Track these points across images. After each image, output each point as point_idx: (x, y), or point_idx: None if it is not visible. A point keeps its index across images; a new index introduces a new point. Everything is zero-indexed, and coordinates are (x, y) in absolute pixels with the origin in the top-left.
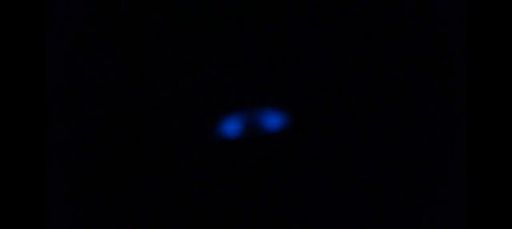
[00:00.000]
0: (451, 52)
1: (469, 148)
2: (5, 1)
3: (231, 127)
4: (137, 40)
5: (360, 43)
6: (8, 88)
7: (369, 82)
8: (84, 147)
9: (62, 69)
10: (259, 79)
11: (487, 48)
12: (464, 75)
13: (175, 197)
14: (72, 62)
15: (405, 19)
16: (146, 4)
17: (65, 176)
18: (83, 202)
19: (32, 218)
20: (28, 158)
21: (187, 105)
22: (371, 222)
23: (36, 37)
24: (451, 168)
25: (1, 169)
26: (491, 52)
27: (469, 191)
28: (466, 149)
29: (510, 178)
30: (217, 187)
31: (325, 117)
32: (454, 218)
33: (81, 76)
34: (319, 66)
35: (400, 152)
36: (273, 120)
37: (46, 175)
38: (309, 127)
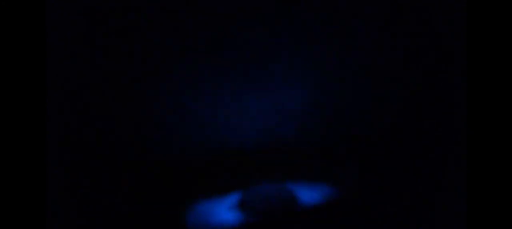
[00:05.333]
0: (450, 53)
1: (469, 148)
2: (5, 1)
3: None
4: (136, 40)
5: (360, 43)
6: (8, 88)
7: (369, 83)
8: (84, 147)
9: (62, 69)
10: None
11: (487, 49)
12: (464, 75)
13: (174, 196)
14: (72, 62)
15: (405, 19)
16: (145, 5)
17: (65, 176)
18: (82, 201)
19: (32, 218)
20: (28, 158)
21: (186, 105)
22: (371, 221)
23: (36, 37)
24: (451, 168)
25: (1, 169)
26: (491, 52)
27: (469, 191)
28: (466, 149)
29: (510, 178)
30: (216, 187)
31: (324, 116)
32: (453, 218)
33: (80, 76)
34: (318, 66)
35: (399, 152)
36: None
37: (46, 175)
38: (308, 126)
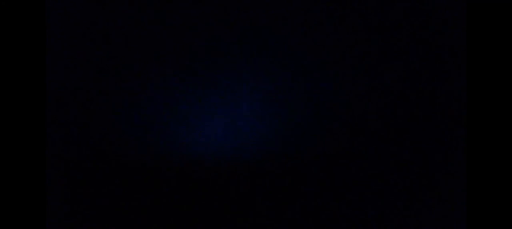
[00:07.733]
0: (450, 53)
1: (468, 148)
2: (5, 2)
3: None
4: (136, 41)
5: (360, 43)
6: (8, 88)
7: (369, 83)
8: (84, 147)
9: (62, 69)
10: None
11: (487, 49)
12: (463, 76)
13: (173, 196)
14: (72, 62)
15: (405, 20)
16: (144, 6)
17: (64, 176)
18: (82, 201)
19: (32, 217)
20: (28, 158)
21: (185, 105)
22: (371, 221)
23: (36, 37)
24: (450, 168)
25: (1, 169)
26: (491, 52)
27: (468, 192)
28: (466, 149)
29: (509, 178)
30: (215, 188)
31: (324, 116)
32: (453, 218)
33: (80, 76)
34: (318, 66)
35: (399, 153)
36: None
37: (46, 175)
38: (309, 126)
